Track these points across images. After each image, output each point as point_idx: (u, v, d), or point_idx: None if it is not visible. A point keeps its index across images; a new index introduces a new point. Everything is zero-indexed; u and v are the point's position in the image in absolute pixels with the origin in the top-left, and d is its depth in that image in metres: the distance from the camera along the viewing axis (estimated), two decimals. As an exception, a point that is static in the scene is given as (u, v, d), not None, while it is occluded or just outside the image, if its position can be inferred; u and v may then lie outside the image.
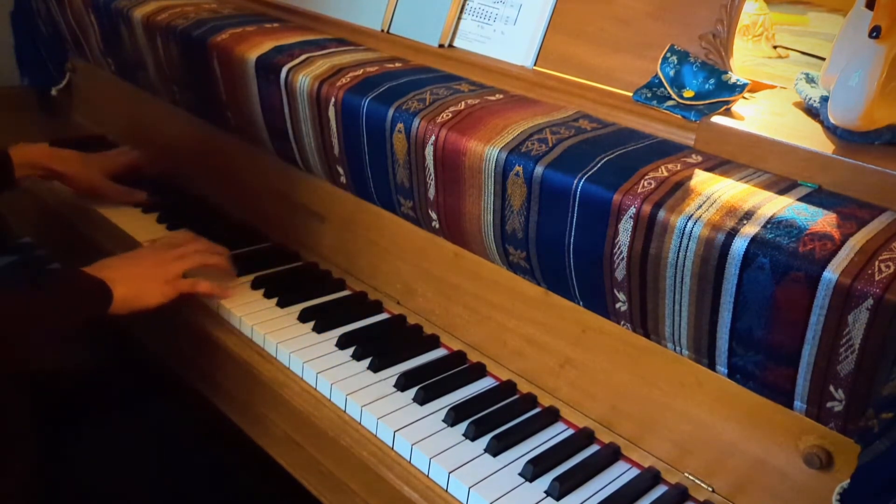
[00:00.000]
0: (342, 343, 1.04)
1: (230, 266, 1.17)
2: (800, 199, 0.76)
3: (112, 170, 1.43)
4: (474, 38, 1.14)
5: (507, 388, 0.99)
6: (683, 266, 0.76)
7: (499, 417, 0.93)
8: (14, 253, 1.48)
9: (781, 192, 0.78)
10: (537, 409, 0.96)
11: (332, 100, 1.05)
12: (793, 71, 1.09)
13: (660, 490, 0.86)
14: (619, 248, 0.80)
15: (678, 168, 0.82)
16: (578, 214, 0.83)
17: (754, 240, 0.71)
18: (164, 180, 1.51)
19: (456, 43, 1.16)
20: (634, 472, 0.88)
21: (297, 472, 1.00)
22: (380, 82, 1.04)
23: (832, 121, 0.84)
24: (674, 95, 0.93)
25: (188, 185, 1.48)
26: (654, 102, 0.93)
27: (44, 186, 1.45)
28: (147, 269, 1.09)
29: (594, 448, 0.91)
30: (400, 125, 0.98)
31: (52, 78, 1.79)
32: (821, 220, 0.72)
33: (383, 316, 1.13)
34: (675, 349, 0.83)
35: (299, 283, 1.18)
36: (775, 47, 1.28)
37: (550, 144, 0.87)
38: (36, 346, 0.96)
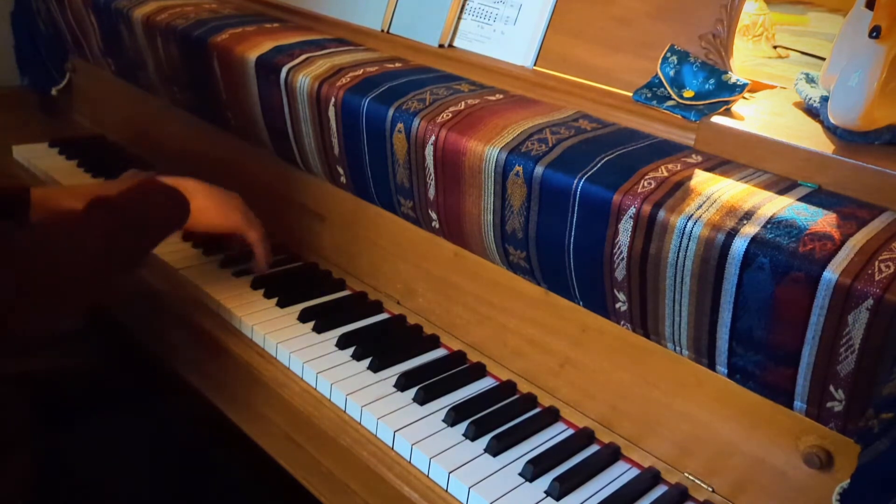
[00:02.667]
0: (342, 343, 1.04)
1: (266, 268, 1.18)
2: (800, 199, 0.76)
3: None
4: (474, 38, 1.14)
5: (507, 388, 0.99)
6: (683, 266, 0.76)
7: (499, 417, 0.93)
8: None
9: (781, 192, 0.78)
10: (537, 409, 0.96)
11: (332, 100, 1.05)
12: (793, 71, 1.09)
13: (660, 490, 0.86)
14: (619, 248, 0.80)
15: (678, 168, 0.82)
16: (578, 214, 0.83)
17: (754, 240, 0.71)
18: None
19: (456, 43, 1.16)
20: (634, 472, 0.88)
21: (297, 472, 1.00)
22: (380, 82, 1.04)
23: (832, 121, 0.84)
24: (674, 95, 0.93)
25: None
26: (654, 102, 0.93)
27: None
28: (225, 195, 1.10)
29: (594, 448, 0.91)
30: (400, 125, 0.98)
31: (52, 78, 1.80)
32: (821, 220, 0.72)
33: (383, 316, 1.13)
34: (675, 349, 0.83)
35: (299, 283, 1.18)
36: (775, 47, 1.28)
37: (550, 144, 0.87)
38: (107, 265, 0.93)
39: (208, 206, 1.04)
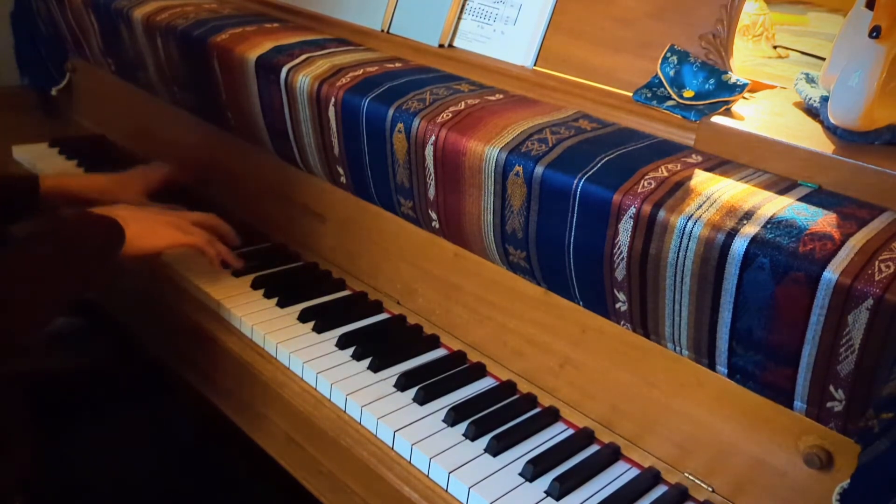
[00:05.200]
0: (342, 343, 1.04)
1: (235, 259, 1.18)
2: (800, 199, 0.76)
3: (151, 188, 1.36)
4: (474, 38, 1.14)
5: (507, 388, 0.99)
6: (683, 266, 0.76)
7: (499, 417, 0.93)
8: None
9: (781, 192, 0.78)
10: (537, 409, 0.96)
11: (332, 100, 1.05)
12: (793, 71, 1.10)
13: (660, 490, 0.86)
14: (619, 248, 0.80)
15: (678, 168, 0.82)
16: (578, 214, 0.83)
17: (754, 240, 0.71)
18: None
19: (456, 43, 1.16)
20: (634, 472, 0.88)
21: (297, 472, 1.00)
22: (380, 82, 1.04)
23: (832, 121, 0.84)
24: (674, 95, 0.93)
25: (188, 184, 1.48)
26: (654, 102, 0.93)
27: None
28: (158, 214, 1.11)
29: (594, 448, 0.91)
30: (400, 125, 0.98)
31: (52, 78, 1.80)
32: (821, 220, 0.72)
33: (383, 316, 1.13)
34: (675, 349, 0.83)
35: (299, 283, 1.18)
36: (775, 47, 1.28)
37: (550, 144, 0.87)
38: (53, 296, 0.95)
39: (142, 229, 1.05)
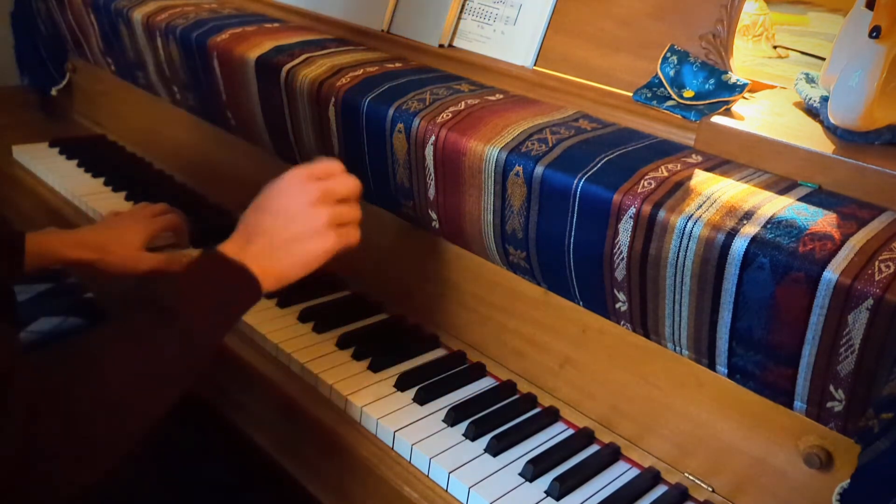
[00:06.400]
0: (342, 343, 1.04)
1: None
2: (800, 199, 0.76)
3: (151, 238, 1.19)
4: (474, 38, 1.14)
5: (507, 388, 0.99)
6: (683, 266, 0.76)
7: (499, 417, 0.93)
8: (46, 280, 1.37)
9: (781, 192, 0.78)
10: (537, 409, 0.96)
11: (332, 100, 1.05)
12: (793, 71, 1.10)
13: (660, 490, 0.86)
14: (619, 248, 0.80)
15: (678, 168, 0.82)
16: (578, 214, 0.83)
17: (754, 240, 0.71)
18: (164, 180, 1.51)
19: (456, 43, 1.16)
20: (634, 472, 0.88)
21: (297, 471, 0.99)
22: (380, 82, 1.04)
23: (832, 121, 0.84)
24: (674, 95, 0.93)
25: (188, 184, 1.48)
26: (654, 102, 0.93)
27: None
28: (301, 223, 0.86)
29: (594, 448, 0.91)
30: (400, 125, 0.98)
31: (52, 78, 1.80)
32: (821, 220, 0.72)
33: (383, 315, 1.13)
34: (675, 349, 0.83)
35: (298, 283, 1.18)
36: (775, 47, 1.28)
37: (550, 144, 0.87)
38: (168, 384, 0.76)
39: (288, 266, 0.85)
